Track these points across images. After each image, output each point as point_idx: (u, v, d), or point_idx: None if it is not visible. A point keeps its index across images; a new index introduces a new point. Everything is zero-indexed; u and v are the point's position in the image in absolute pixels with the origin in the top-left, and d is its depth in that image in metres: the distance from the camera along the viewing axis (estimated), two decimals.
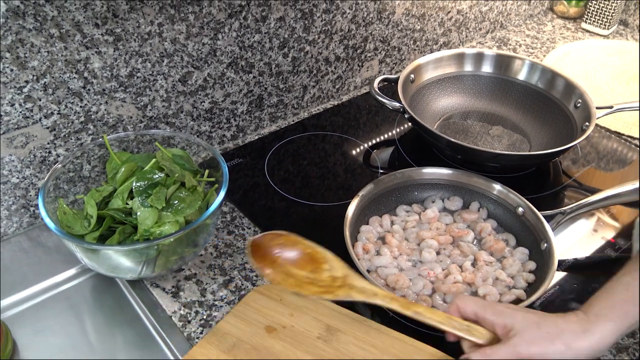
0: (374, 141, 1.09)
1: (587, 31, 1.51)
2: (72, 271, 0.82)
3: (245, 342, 0.69)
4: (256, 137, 1.07)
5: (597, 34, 1.49)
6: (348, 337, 0.70)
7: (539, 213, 0.83)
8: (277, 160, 1.01)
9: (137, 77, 0.85)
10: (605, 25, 1.47)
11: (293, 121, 1.11)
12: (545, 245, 0.80)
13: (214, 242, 0.86)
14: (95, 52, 0.79)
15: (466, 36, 1.38)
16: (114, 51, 0.81)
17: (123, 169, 0.80)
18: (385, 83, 1.07)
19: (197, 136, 0.99)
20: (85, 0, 0.74)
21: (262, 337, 0.70)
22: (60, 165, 0.78)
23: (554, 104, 1.07)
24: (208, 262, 0.83)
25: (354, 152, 1.05)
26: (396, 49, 1.23)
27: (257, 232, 0.88)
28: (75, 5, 0.74)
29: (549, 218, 0.84)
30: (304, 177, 0.98)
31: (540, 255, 0.81)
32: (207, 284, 0.79)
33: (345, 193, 0.95)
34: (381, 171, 1.02)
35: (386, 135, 1.10)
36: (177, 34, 0.86)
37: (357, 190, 0.85)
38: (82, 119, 0.83)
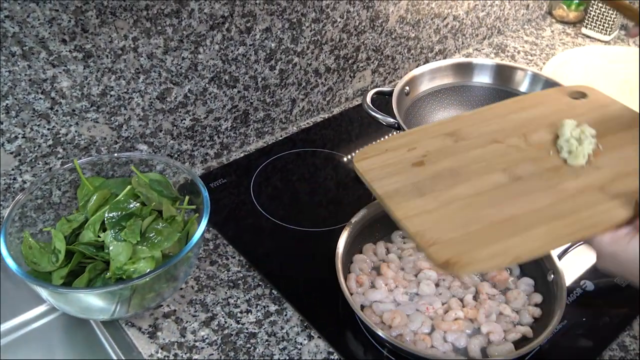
0: None
1: (588, 37, 1.45)
2: (42, 308, 0.76)
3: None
4: (242, 154, 1.00)
5: (598, 40, 1.44)
6: (470, 129, 0.66)
7: None
8: (264, 178, 0.95)
9: (111, 96, 0.79)
10: (606, 30, 1.42)
11: (281, 136, 1.05)
12: (552, 276, 0.74)
13: (195, 274, 0.79)
14: (63, 70, 0.72)
15: (462, 43, 1.32)
16: (84, 69, 0.74)
17: (95, 197, 0.74)
18: (379, 96, 1.01)
19: (178, 155, 0.92)
20: (51, 15, 0.68)
21: (422, 171, 0.62)
22: (22, 197, 0.71)
23: None
24: (189, 296, 0.76)
25: (345, 168, 0.99)
26: (390, 58, 1.17)
27: (242, 261, 0.81)
28: (39, 20, 0.67)
29: None
30: (293, 198, 0.92)
31: (547, 287, 0.75)
32: (187, 322, 0.73)
33: (337, 215, 0.89)
34: None
35: None
36: (154, 49, 0.79)
37: (350, 212, 0.79)
38: (50, 142, 0.76)
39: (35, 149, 0.76)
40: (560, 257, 0.77)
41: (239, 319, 0.74)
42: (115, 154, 0.79)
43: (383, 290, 0.75)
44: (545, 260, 0.76)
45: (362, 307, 0.74)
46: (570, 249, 0.79)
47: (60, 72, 0.72)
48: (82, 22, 0.70)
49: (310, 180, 0.96)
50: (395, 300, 0.75)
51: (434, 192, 0.59)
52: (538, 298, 0.75)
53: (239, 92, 0.93)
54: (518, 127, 0.68)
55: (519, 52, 1.37)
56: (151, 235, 0.70)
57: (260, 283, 0.78)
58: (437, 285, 0.77)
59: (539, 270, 0.77)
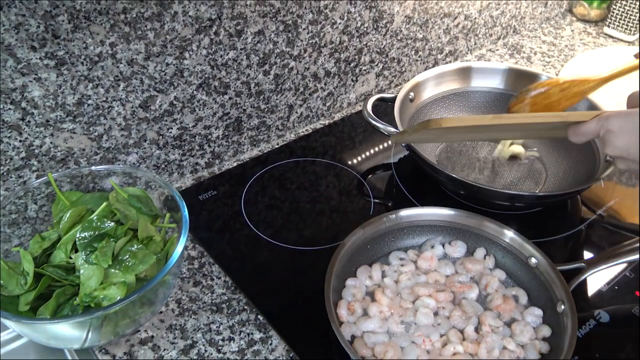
0: (368, 165, 0.96)
1: (610, 36, 1.37)
2: (11, 332, 0.72)
3: None
4: (235, 164, 0.95)
5: (621, 40, 1.35)
6: None
7: (555, 267, 0.71)
8: (258, 189, 0.90)
9: (88, 105, 0.73)
10: (629, 30, 1.33)
11: (277, 144, 0.99)
12: (563, 307, 0.67)
13: (177, 296, 0.74)
14: (34, 78, 0.67)
15: (475, 43, 1.25)
16: (57, 77, 0.69)
17: (68, 215, 0.69)
18: (382, 102, 0.95)
19: (166, 165, 0.87)
20: (17, 20, 0.62)
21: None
22: None
23: None
24: (168, 321, 0.71)
25: (345, 178, 0.93)
26: (395, 61, 1.10)
27: (228, 282, 0.76)
28: (4, 26, 0.62)
29: (568, 272, 0.71)
30: (287, 212, 0.86)
31: (556, 318, 0.68)
32: (165, 349, 0.68)
33: (333, 233, 0.83)
34: (375, 201, 0.90)
35: (382, 158, 0.98)
36: (134, 54, 0.74)
37: (349, 229, 0.73)
38: (23, 154, 0.72)
39: (7, 161, 0.71)
40: (572, 285, 0.70)
41: (220, 348, 0.68)
42: (92, 167, 0.74)
43: (376, 319, 0.69)
44: (555, 289, 0.70)
45: (354, 337, 0.68)
46: (583, 275, 0.72)
47: (30, 81, 0.67)
48: (52, 28, 0.65)
49: (307, 192, 0.90)
50: (389, 330, 0.69)
51: None
52: (546, 331, 0.68)
53: (230, 98, 0.88)
54: None
55: (535, 54, 1.29)
56: (125, 257, 0.66)
57: (245, 307, 0.73)
58: (435, 314, 0.71)
59: (549, 300, 0.70)
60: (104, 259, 0.64)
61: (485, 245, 0.77)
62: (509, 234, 0.74)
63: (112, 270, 0.65)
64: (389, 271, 0.76)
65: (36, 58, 0.66)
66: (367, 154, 0.99)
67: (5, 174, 0.72)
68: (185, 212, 0.69)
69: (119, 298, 0.62)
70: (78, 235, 0.66)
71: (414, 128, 0.71)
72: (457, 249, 0.78)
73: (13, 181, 0.73)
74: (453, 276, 0.75)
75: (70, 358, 0.69)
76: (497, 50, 1.30)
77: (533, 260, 0.73)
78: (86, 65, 0.70)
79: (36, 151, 0.73)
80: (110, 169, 0.75)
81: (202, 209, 0.86)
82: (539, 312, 0.70)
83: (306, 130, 1.03)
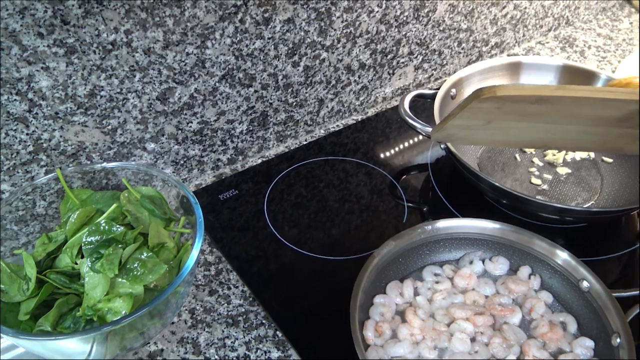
0: (403, 166, 0.89)
1: None
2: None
3: None
4: (259, 160, 0.89)
5: None
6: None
7: (611, 293, 0.63)
8: (283, 189, 0.83)
9: (101, 97, 0.68)
10: None
11: (306, 140, 0.93)
12: (619, 340, 0.60)
13: (191, 305, 0.69)
14: (42, 67, 0.62)
15: (524, 35, 1.15)
16: (67, 66, 0.63)
17: (76, 215, 0.64)
18: (421, 99, 0.87)
19: (185, 161, 0.81)
20: (22, 4, 0.57)
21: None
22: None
23: None
24: (180, 333, 0.66)
25: (377, 179, 0.86)
26: (436, 53, 1.02)
27: (246, 293, 0.70)
28: (7, 10, 0.57)
29: (625, 300, 0.63)
30: (313, 216, 0.80)
31: (610, 352, 0.60)
32: None
33: (364, 241, 0.76)
34: (409, 205, 0.83)
35: (418, 158, 0.91)
36: (151, 43, 0.68)
37: (381, 237, 0.66)
38: (31, 148, 0.67)
39: (13, 156, 0.66)
40: (629, 315, 0.62)
41: None
42: (105, 163, 0.68)
43: (407, 342, 0.62)
44: (609, 318, 0.62)
45: None
46: None
47: (37, 70, 0.62)
48: (61, 13, 0.60)
49: (336, 192, 0.84)
50: (420, 356, 0.62)
51: None
52: None
53: (255, 91, 0.81)
54: None
55: (589, 48, 1.19)
56: (134, 266, 0.60)
57: (263, 321, 0.67)
58: (473, 340, 0.63)
59: (601, 330, 0.63)
60: (110, 268, 0.58)
61: (530, 263, 0.70)
62: (562, 255, 0.66)
63: (119, 280, 0.59)
64: (422, 288, 0.69)
65: (43, 46, 0.61)
66: (402, 153, 0.91)
67: (11, 168, 0.67)
68: (201, 217, 0.63)
69: (124, 312, 0.57)
70: (84, 240, 0.61)
71: (460, 106, 0.60)
72: (499, 266, 0.71)
73: (20, 176, 0.68)
74: (493, 297, 0.68)
75: None
76: (547, 43, 1.20)
77: (585, 284, 0.65)
78: (99, 54, 0.65)
79: (45, 145, 0.68)
80: (124, 166, 0.70)
81: (223, 209, 0.80)
82: (590, 343, 0.63)
83: (337, 126, 0.96)
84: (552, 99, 0.54)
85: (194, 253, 0.60)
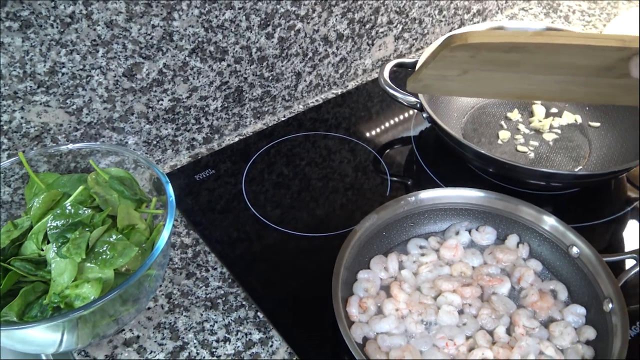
0: (386, 139, 0.86)
1: None
2: None
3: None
4: (237, 139, 0.86)
5: None
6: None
7: (602, 258, 0.61)
8: (261, 167, 0.80)
9: (63, 74, 0.64)
10: None
11: (284, 116, 0.90)
12: (611, 305, 0.58)
13: (168, 289, 0.66)
14: None
15: (506, 1, 1.12)
16: (23, 42, 0.60)
17: (41, 200, 0.61)
18: (401, 69, 0.84)
19: (158, 142, 0.78)
20: None
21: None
22: None
23: None
24: (156, 319, 0.63)
25: (360, 153, 0.83)
26: (417, 22, 0.98)
27: (225, 274, 0.67)
28: None
29: (616, 264, 0.61)
30: (293, 193, 0.77)
31: (603, 318, 0.59)
32: (151, 352, 0.60)
33: (346, 217, 0.74)
34: (392, 179, 0.80)
35: (401, 131, 0.88)
36: (113, 15, 0.64)
37: (360, 210, 0.64)
38: None
39: None
40: (620, 279, 0.60)
41: (214, 350, 0.60)
42: (71, 145, 0.65)
43: (392, 317, 0.60)
44: (601, 284, 0.60)
45: (366, 339, 0.59)
46: (635, 269, 0.62)
47: None
48: None
49: (317, 169, 0.81)
50: (407, 331, 0.60)
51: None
52: (590, 333, 0.59)
53: (228, 65, 0.78)
54: None
55: (574, 12, 1.16)
56: (102, 249, 0.57)
57: (243, 303, 0.64)
58: (461, 312, 0.61)
59: (593, 296, 0.61)
60: (77, 252, 0.55)
61: (518, 231, 0.68)
62: (550, 221, 0.64)
63: (88, 265, 0.56)
64: (407, 262, 0.66)
65: None
66: (385, 126, 0.89)
67: None
68: (172, 197, 0.60)
69: (93, 298, 0.54)
70: (49, 225, 0.57)
71: (433, 54, 0.54)
72: (486, 235, 0.68)
73: None
74: (481, 268, 0.65)
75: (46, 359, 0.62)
76: (530, 9, 1.17)
77: (575, 249, 0.63)
78: (57, 27, 0.61)
79: (5, 127, 0.64)
80: (92, 147, 0.66)
81: (199, 190, 0.77)
82: (581, 310, 0.61)
83: (316, 100, 0.93)
84: (529, 46, 0.50)
85: (165, 234, 0.57)
